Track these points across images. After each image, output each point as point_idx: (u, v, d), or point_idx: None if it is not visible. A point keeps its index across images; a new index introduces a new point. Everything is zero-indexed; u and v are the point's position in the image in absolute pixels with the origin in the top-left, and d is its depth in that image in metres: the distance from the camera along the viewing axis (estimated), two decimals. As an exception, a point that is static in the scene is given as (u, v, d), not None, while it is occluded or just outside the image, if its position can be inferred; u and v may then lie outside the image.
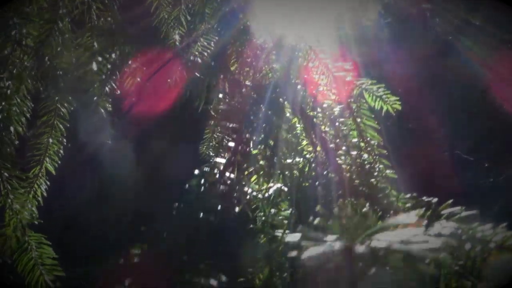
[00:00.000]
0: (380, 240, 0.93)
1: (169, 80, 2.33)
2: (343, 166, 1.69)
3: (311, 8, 1.93)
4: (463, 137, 3.69)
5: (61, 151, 2.23)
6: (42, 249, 1.88)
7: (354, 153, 1.73)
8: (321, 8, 1.95)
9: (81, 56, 2.10)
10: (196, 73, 2.19)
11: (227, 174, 1.62)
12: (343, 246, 0.91)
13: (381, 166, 1.72)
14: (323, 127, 1.78)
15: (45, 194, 2.19)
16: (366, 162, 1.71)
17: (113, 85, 2.20)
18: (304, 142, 1.82)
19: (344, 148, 1.74)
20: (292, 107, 1.80)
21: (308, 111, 1.79)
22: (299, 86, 1.81)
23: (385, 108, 1.81)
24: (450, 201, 1.36)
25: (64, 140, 2.25)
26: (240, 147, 1.67)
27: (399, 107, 1.81)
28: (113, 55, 2.16)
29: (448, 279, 1.32)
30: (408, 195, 1.59)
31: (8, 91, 2.11)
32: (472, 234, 1.24)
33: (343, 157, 1.72)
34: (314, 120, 1.78)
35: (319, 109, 1.80)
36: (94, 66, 2.09)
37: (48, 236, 2.02)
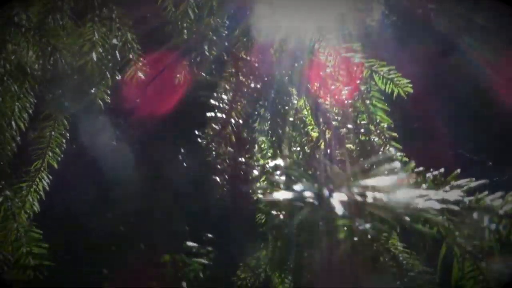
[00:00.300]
0: (367, 190, 0.88)
1: (178, 75, 2.33)
2: (351, 148, 1.66)
3: (315, 7, 1.93)
4: (467, 136, 3.67)
5: (64, 145, 2.25)
6: (30, 237, 1.88)
7: (362, 130, 1.70)
8: (324, 7, 1.95)
9: (83, 46, 2.11)
10: (202, 73, 2.20)
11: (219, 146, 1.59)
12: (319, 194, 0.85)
13: (391, 149, 1.69)
14: (330, 109, 1.76)
15: (47, 188, 2.20)
16: (375, 145, 1.68)
17: (115, 77, 2.21)
18: (310, 126, 1.80)
19: (352, 130, 1.72)
20: (298, 89, 1.78)
21: (314, 93, 1.77)
22: (305, 68, 1.79)
23: (396, 91, 1.78)
24: (458, 170, 1.31)
25: (67, 134, 2.26)
26: (232, 119, 1.65)
27: (411, 90, 1.78)
28: (115, 46, 2.17)
29: (462, 262, 1.28)
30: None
31: (11, 86, 2.14)
32: (481, 204, 1.20)
33: (351, 140, 1.70)
34: (320, 101, 1.76)
35: (326, 91, 1.78)
36: (94, 57, 2.10)
37: (49, 233, 2.02)
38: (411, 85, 1.78)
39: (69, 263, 2.10)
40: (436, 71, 3.53)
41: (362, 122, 1.72)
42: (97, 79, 2.16)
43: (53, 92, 2.20)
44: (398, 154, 1.68)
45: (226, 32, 2.20)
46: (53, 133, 2.22)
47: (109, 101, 2.24)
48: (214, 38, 2.21)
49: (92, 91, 2.20)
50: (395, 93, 1.78)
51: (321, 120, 1.75)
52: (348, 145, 1.66)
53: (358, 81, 1.74)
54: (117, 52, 2.18)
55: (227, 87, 1.95)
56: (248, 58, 1.96)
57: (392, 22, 3.25)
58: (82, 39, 2.10)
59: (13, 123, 2.15)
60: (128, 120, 2.68)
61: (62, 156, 2.25)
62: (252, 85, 1.90)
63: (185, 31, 2.23)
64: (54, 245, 2.00)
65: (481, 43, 3.24)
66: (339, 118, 1.73)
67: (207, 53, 2.21)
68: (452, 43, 3.37)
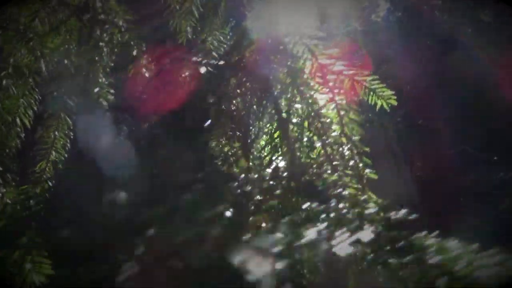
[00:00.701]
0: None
1: (183, 75, 2.28)
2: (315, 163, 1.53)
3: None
4: (473, 132, 3.46)
5: (68, 145, 2.23)
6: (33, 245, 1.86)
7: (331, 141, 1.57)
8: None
9: (84, 47, 2.09)
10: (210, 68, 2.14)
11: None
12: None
13: (360, 164, 1.55)
14: (304, 122, 1.64)
15: (52, 188, 2.20)
16: (346, 159, 1.55)
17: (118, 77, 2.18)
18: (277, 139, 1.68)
19: (322, 142, 1.59)
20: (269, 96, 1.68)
21: (282, 105, 1.66)
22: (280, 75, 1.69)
23: (379, 103, 1.63)
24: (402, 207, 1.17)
25: (71, 133, 2.24)
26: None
27: (395, 103, 1.63)
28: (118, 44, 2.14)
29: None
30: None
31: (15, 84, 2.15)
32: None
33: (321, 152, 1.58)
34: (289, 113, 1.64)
35: (299, 99, 1.66)
36: (96, 56, 2.08)
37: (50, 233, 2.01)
38: (395, 97, 1.63)
39: (72, 263, 2.08)
40: (440, 68, 3.35)
41: (334, 133, 1.59)
42: (100, 79, 2.14)
43: (55, 91, 2.20)
44: (367, 170, 1.55)
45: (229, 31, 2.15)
46: (56, 133, 2.21)
47: (113, 101, 2.21)
48: (221, 37, 2.15)
49: (96, 90, 2.17)
50: (378, 105, 1.63)
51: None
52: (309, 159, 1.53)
53: (335, 90, 1.61)
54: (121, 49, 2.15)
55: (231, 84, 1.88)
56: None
57: (397, 18, 3.10)
58: (83, 38, 2.09)
59: (17, 120, 2.16)
60: (134, 115, 2.65)
61: (66, 156, 2.24)
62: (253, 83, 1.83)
63: (189, 29, 2.18)
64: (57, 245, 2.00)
65: (490, 40, 3.05)
66: (312, 130, 1.61)
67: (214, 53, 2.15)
68: (459, 40, 3.19)
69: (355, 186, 1.47)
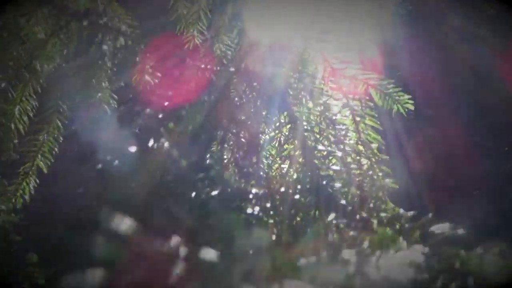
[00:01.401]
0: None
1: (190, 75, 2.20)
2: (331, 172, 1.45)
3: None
4: (483, 123, 3.47)
5: (56, 149, 2.15)
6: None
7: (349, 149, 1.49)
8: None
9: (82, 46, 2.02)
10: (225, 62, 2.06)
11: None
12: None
13: (380, 173, 1.47)
14: (316, 128, 1.55)
15: (32, 192, 2.11)
16: (364, 168, 1.47)
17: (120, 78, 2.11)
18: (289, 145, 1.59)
19: (339, 151, 1.51)
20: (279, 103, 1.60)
21: (297, 109, 1.57)
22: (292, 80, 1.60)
23: (395, 108, 1.55)
24: (430, 215, 1.09)
25: (61, 137, 2.16)
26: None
27: (412, 107, 1.55)
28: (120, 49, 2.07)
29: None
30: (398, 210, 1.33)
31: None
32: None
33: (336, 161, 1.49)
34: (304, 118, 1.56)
35: (312, 105, 1.57)
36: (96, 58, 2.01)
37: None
38: (412, 102, 1.55)
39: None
40: (449, 59, 3.34)
41: (350, 141, 1.51)
42: (103, 83, 2.07)
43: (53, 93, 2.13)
44: (388, 180, 1.47)
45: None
46: (46, 136, 2.13)
47: (115, 105, 2.15)
48: (229, 42, 2.08)
49: (99, 95, 2.10)
50: (394, 110, 1.55)
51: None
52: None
53: (350, 96, 1.52)
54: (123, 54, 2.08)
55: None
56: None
57: (407, 11, 3.07)
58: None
59: (12, 125, 2.06)
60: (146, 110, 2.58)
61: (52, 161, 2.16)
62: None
63: (196, 32, 2.10)
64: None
65: (499, 32, 3.04)
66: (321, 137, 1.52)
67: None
68: (468, 32, 3.18)
69: (378, 196, 1.40)
